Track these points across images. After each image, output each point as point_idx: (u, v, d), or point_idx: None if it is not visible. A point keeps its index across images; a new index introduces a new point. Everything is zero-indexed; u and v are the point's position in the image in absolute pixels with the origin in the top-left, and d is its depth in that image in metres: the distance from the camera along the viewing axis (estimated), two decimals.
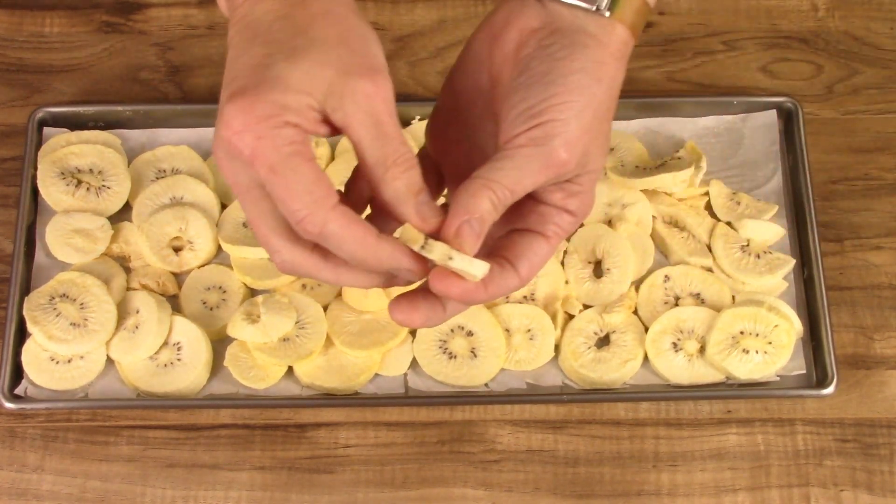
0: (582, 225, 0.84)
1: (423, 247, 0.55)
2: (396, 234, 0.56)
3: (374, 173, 0.55)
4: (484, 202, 0.55)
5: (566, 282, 0.83)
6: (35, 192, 0.85)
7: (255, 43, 0.55)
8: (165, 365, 0.79)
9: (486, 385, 0.80)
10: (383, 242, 0.55)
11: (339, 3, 0.56)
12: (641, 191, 0.85)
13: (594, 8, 0.57)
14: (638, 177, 0.84)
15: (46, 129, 0.87)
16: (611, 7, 0.57)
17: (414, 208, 0.55)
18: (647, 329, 0.81)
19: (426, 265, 0.56)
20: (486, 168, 0.56)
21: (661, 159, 0.86)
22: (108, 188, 0.84)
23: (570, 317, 0.82)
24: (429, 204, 0.56)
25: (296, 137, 0.53)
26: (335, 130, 0.55)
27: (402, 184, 0.55)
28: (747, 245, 0.83)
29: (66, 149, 0.85)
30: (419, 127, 0.87)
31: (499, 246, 0.59)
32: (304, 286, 0.82)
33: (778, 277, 0.82)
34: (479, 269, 0.55)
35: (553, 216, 0.59)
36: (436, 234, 0.56)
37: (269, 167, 0.53)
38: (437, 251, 0.55)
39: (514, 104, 0.57)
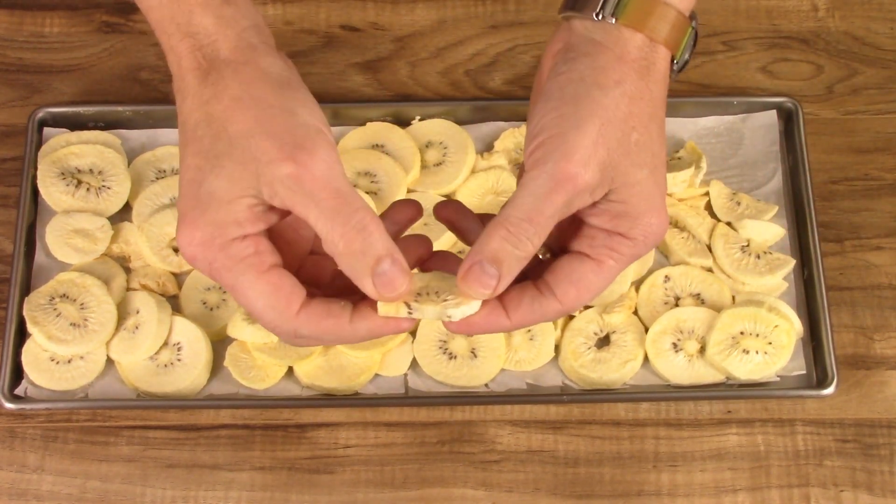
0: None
1: (409, 312, 0.54)
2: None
3: (327, 247, 0.53)
4: (494, 241, 0.53)
5: None
6: (35, 192, 0.85)
7: (188, 152, 0.55)
8: (165, 365, 0.79)
9: (486, 385, 0.80)
10: (359, 323, 0.54)
11: (253, 79, 0.55)
12: None
13: (596, 16, 0.56)
14: None
15: (46, 130, 0.87)
16: (615, 13, 0.55)
17: (370, 283, 0.53)
18: (647, 329, 0.81)
19: (408, 322, 0.55)
20: (503, 206, 0.54)
21: None
22: (109, 188, 0.84)
23: (570, 317, 0.82)
24: (388, 275, 0.53)
25: (245, 251, 0.54)
26: (287, 212, 0.54)
27: (354, 261, 0.53)
28: (747, 245, 0.83)
29: (66, 149, 0.85)
30: (419, 127, 0.87)
31: (541, 269, 0.56)
32: None
33: (778, 278, 0.82)
34: (477, 307, 0.54)
35: (604, 239, 0.56)
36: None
37: (230, 288, 0.54)
38: (428, 313, 0.54)
39: (527, 133, 0.56)
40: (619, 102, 0.54)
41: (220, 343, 0.81)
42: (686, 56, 0.59)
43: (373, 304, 0.54)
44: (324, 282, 0.59)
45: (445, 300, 0.54)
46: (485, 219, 0.59)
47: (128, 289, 0.82)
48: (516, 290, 0.55)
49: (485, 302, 0.55)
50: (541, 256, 0.59)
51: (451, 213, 0.61)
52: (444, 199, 0.85)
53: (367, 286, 0.53)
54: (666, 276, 0.83)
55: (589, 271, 0.55)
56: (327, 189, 0.53)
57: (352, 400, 0.80)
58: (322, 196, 0.52)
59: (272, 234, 0.56)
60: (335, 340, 0.56)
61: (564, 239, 0.58)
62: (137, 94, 0.90)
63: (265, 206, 0.54)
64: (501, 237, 0.53)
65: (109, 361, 0.80)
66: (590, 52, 0.55)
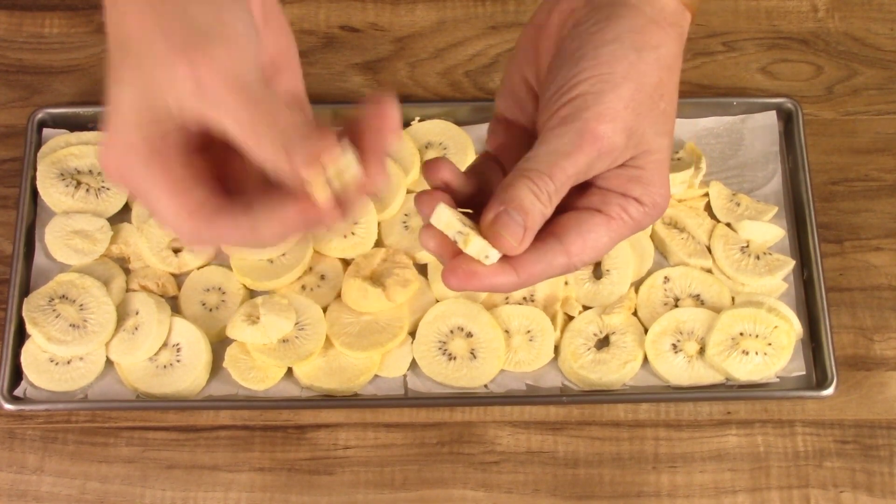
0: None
1: (460, 232, 0.50)
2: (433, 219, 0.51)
3: (261, 167, 0.48)
4: (522, 190, 0.51)
5: (566, 283, 0.82)
6: (34, 193, 0.85)
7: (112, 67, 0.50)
8: (165, 366, 0.79)
9: (485, 386, 0.80)
10: (260, 221, 0.48)
11: None
12: None
13: None
14: None
15: (46, 131, 0.87)
16: None
17: (287, 158, 0.47)
18: (646, 330, 0.81)
19: (316, 211, 0.48)
20: (522, 159, 0.52)
21: None
22: (108, 189, 0.84)
23: (570, 318, 0.82)
24: (312, 138, 0.47)
25: (148, 144, 0.48)
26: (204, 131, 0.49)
27: (270, 143, 0.47)
28: (747, 246, 0.83)
29: (65, 150, 0.85)
30: (419, 127, 0.87)
31: (547, 225, 0.53)
32: (303, 287, 0.82)
33: (778, 278, 0.82)
34: (494, 255, 0.51)
35: (616, 199, 0.54)
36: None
37: (133, 191, 0.49)
38: (474, 248, 0.50)
39: (548, 87, 0.54)
40: (653, 68, 0.53)
41: (219, 344, 0.81)
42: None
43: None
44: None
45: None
46: (469, 177, 0.56)
47: (127, 290, 0.82)
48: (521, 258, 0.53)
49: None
50: None
51: (447, 173, 0.55)
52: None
53: (292, 164, 0.47)
54: (665, 277, 0.83)
55: (598, 224, 0.53)
56: (234, 90, 0.46)
57: (351, 401, 0.80)
58: (229, 100, 0.46)
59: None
60: (242, 244, 0.49)
61: (568, 205, 0.55)
62: None
63: (177, 130, 0.48)
64: (527, 187, 0.51)
65: (109, 362, 0.80)
66: (622, 14, 0.53)
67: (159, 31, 0.47)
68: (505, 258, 0.52)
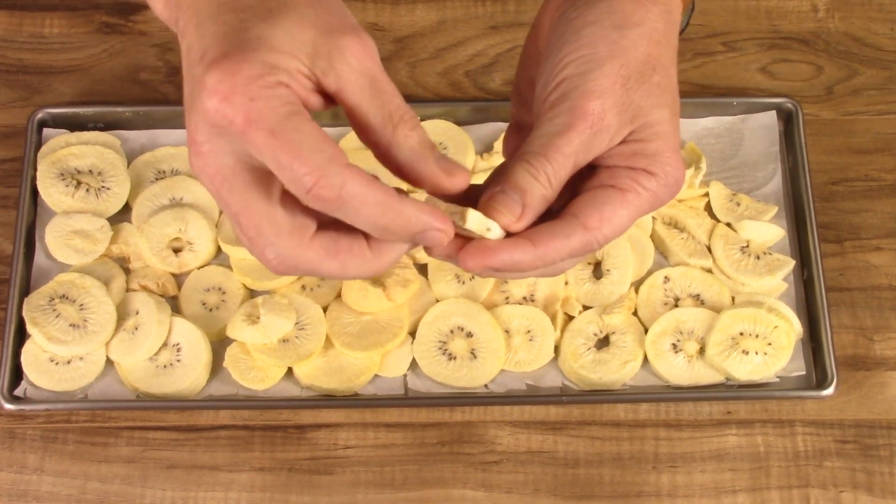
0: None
1: (456, 215, 0.50)
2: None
3: (381, 135, 0.49)
4: (517, 172, 0.51)
5: (566, 283, 0.83)
6: (35, 193, 0.85)
7: (222, 12, 0.49)
8: (165, 366, 0.79)
9: (485, 386, 0.80)
10: (407, 202, 0.49)
11: None
12: None
13: None
14: None
15: (46, 130, 0.87)
16: None
17: (435, 163, 0.50)
18: (646, 330, 0.81)
19: (455, 228, 0.51)
20: (519, 149, 0.53)
21: None
22: (108, 189, 0.84)
23: (570, 318, 0.82)
24: (448, 158, 0.50)
25: (292, 98, 0.47)
26: (328, 102, 0.50)
27: (415, 140, 0.49)
28: (747, 246, 0.83)
29: (65, 150, 0.85)
30: None
31: (564, 208, 0.53)
32: (303, 287, 0.82)
33: (778, 278, 0.82)
34: (497, 233, 0.51)
35: (625, 173, 0.53)
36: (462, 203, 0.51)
37: (269, 130, 0.46)
38: (473, 220, 0.50)
39: (539, 80, 0.54)
40: (638, 44, 0.53)
41: (219, 344, 0.81)
42: (686, 20, 0.58)
43: None
44: None
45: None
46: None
47: (127, 289, 0.82)
48: (537, 224, 0.53)
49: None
50: None
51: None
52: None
53: (429, 165, 0.49)
54: (665, 277, 0.83)
55: (612, 197, 0.53)
56: (382, 73, 0.49)
57: (351, 401, 0.79)
58: (381, 76, 0.49)
59: None
60: (377, 218, 0.48)
61: (581, 188, 0.55)
62: (137, 95, 0.90)
63: (311, 83, 0.49)
64: (523, 168, 0.51)
65: (109, 362, 0.80)
66: None
67: (324, 8, 0.48)
68: (523, 234, 0.52)
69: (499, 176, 0.53)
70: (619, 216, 0.53)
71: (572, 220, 0.52)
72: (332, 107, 0.50)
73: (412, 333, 0.81)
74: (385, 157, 0.50)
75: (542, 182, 0.52)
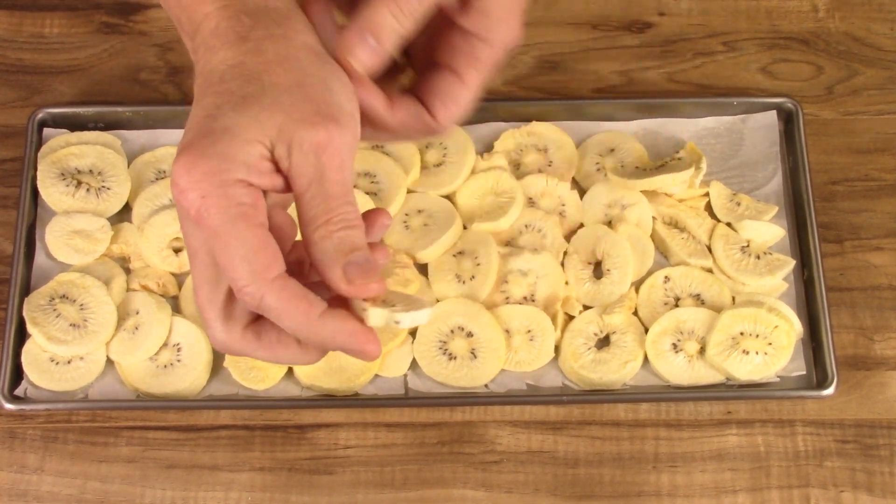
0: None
1: (364, 309, 0.52)
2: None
3: (304, 230, 0.52)
4: (380, 14, 0.53)
5: (566, 283, 0.83)
6: (35, 193, 0.85)
7: (207, 94, 0.52)
8: (165, 366, 0.79)
9: (485, 386, 0.80)
10: (328, 320, 0.51)
11: (298, 47, 0.53)
12: (642, 192, 0.85)
13: None
14: (638, 178, 0.84)
15: (46, 130, 0.87)
16: None
17: (340, 271, 0.51)
18: (647, 330, 0.81)
19: (377, 345, 0.53)
20: None
21: (662, 160, 0.86)
22: (108, 189, 0.84)
23: (570, 318, 0.82)
24: (362, 266, 0.51)
25: (244, 198, 0.50)
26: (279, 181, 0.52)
27: (330, 245, 0.51)
28: (747, 246, 0.83)
29: (65, 150, 0.85)
30: None
31: (415, 84, 0.58)
32: None
33: (778, 278, 0.82)
34: (426, 316, 0.53)
35: (463, 48, 0.56)
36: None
37: (213, 230, 0.50)
38: (376, 318, 0.52)
39: None
40: None
41: None
42: None
43: (346, 311, 0.53)
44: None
45: (394, 306, 0.53)
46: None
47: (128, 289, 0.82)
48: (398, 98, 0.57)
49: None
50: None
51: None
52: (443, 198, 0.85)
53: (334, 272, 0.51)
54: (666, 277, 0.83)
55: (453, 84, 0.57)
56: (340, 172, 0.51)
57: (352, 401, 0.79)
58: (330, 175, 0.51)
59: None
60: (293, 329, 0.52)
61: (431, 49, 0.58)
62: (137, 95, 0.90)
63: (273, 167, 0.51)
64: (389, 10, 0.53)
65: (109, 362, 0.80)
66: None
67: (303, 95, 0.51)
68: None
69: (361, 17, 0.54)
70: (463, 98, 0.57)
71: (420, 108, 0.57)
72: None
73: (412, 333, 0.81)
74: (306, 250, 0.53)
75: (402, 25, 0.54)
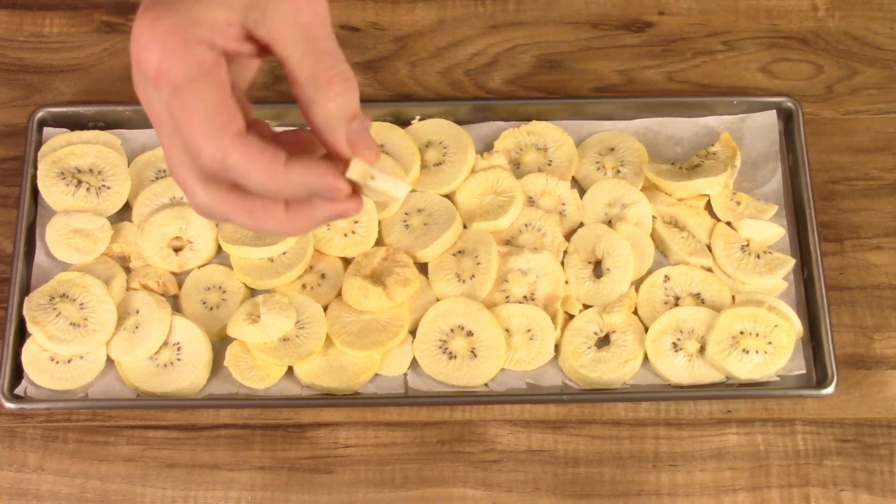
0: (581, 225, 0.85)
1: (372, 177, 0.51)
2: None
3: (303, 92, 0.50)
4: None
5: (566, 282, 0.83)
6: (35, 192, 0.85)
7: None
8: (165, 365, 0.79)
9: (486, 385, 0.80)
10: (294, 166, 0.49)
11: None
12: (641, 190, 0.85)
13: None
14: (674, 178, 0.83)
15: (46, 130, 0.87)
16: None
17: (344, 134, 0.50)
18: (646, 329, 0.81)
19: (349, 185, 0.51)
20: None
21: (697, 155, 0.85)
22: (108, 188, 0.84)
23: (571, 317, 0.82)
24: (364, 132, 0.50)
25: (206, 57, 0.48)
26: (263, 50, 0.50)
27: (334, 106, 0.50)
28: (747, 245, 0.83)
29: (66, 149, 0.85)
30: (419, 126, 0.87)
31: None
32: (304, 286, 0.82)
33: (778, 277, 0.82)
34: (402, 190, 0.52)
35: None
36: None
37: (172, 87, 0.48)
38: (356, 168, 0.50)
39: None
40: None
41: (220, 343, 0.81)
42: None
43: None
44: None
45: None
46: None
47: (128, 288, 0.82)
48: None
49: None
50: None
51: None
52: (444, 197, 0.85)
53: (338, 134, 0.50)
54: (666, 276, 0.83)
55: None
56: (323, 30, 0.50)
57: (352, 400, 0.80)
58: (317, 33, 0.49)
59: None
60: (263, 184, 0.50)
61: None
62: None
63: (242, 33, 0.49)
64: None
65: (109, 361, 0.80)
66: None
67: None
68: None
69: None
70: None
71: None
72: (269, 56, 0.51)
73: (412, 332, 0.81)
74: (304, 114, 0.51)
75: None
